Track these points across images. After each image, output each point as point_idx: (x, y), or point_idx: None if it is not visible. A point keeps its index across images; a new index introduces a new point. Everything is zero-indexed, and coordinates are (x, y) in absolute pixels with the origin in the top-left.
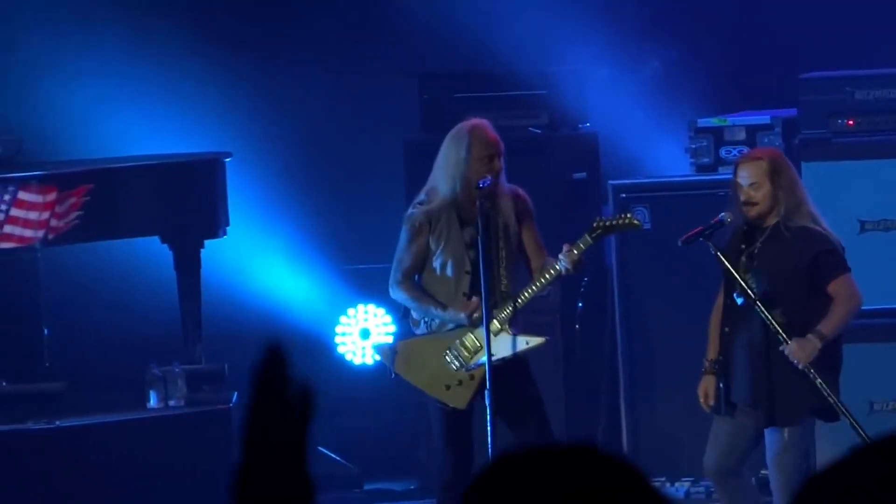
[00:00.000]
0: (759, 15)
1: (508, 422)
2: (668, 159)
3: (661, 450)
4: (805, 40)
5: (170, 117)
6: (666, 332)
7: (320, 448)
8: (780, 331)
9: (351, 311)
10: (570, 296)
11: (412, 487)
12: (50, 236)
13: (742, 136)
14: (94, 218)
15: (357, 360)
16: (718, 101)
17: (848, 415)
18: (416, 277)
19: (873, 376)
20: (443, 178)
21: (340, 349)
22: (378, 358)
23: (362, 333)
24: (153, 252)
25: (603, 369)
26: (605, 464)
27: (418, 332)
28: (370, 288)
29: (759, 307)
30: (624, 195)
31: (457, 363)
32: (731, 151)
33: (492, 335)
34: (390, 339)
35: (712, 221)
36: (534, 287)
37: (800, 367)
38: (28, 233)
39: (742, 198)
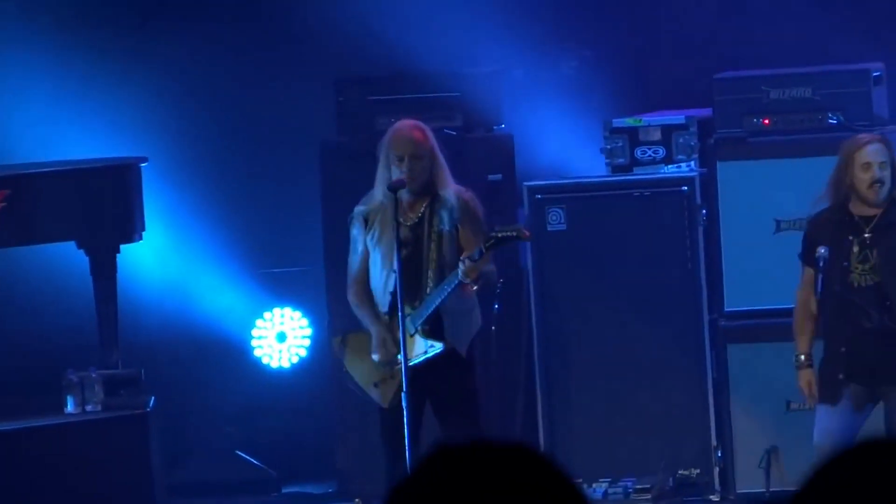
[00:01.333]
0: (672, 14)
1: (438, 418)
2: (584, 160)
3: (578, 450)
4: (719, 40)
5: (86, 121)
6: (582, 333)
7: (237, 452)
8: None
9: (267, 314)
10: (486, 297)
11: (330, 491)
12: None
13: (657, 136)
14: (9, 223)
15: (274, 364)
16: (633, 102)
17: None
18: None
19: (790, 375)
20: (378, 181)
21: (257, 352)
22: (334, 347)
23: (278, 337)
24: (69, 257)
25: (519, 370)
26: (533, 462)
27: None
28: (286, 291)
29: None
30: (539, 196)
31: (384, 359)
32: (645, 152)
33: (408, 336)
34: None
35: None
36: (432, 295)
37: None
38: None
39: (870, 178)
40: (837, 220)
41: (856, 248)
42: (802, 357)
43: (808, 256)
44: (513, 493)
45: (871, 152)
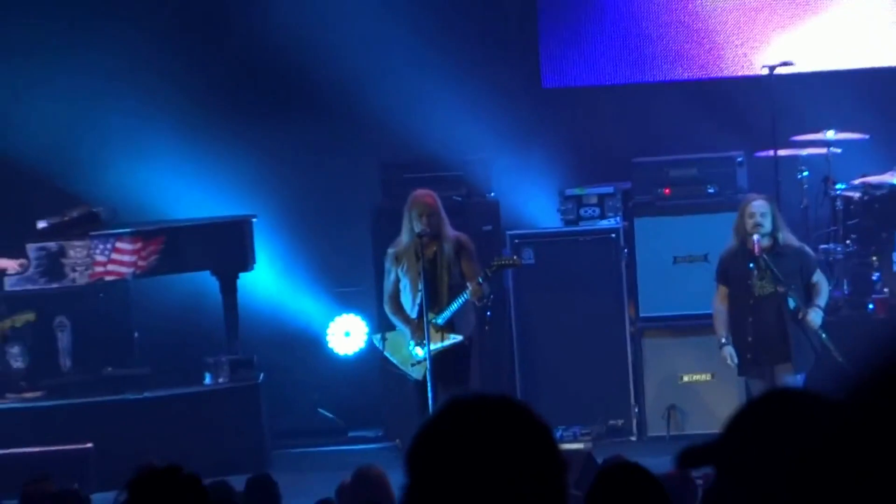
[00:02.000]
0: (597, 118)
1: (441, 384)
2: (545, 216)
3: (542, 407)
4: (633, 135)
5: (205, 184)
6: (546, 331)
7: (319, 409)
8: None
9: (337, 318)
10: (483, 307)
11: (379, 434)
12: (137, 272)
13: (594, 200)
14: (166, 259)
15: (341, 352)
16: (578, 176)
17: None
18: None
19: (684, 358)
20: (403, 230)
21: (330, 344)
22: (376, 341)
23: (345, 334)
24: (206, 281)
25: (504, 355)
26: (517, 406)
27: (399, 327)
28: (350, 304)
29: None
30: (517, 241)
31: (415, 350)
32: (587, 211)
33: (432, 333)
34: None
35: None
36: (448, 306)
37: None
38: (123, 269)
39: (753, 223)
40: (741, 253)
41: (756, 271)
42: (723, 340)
43: (721, 277)
44: (504, 427)
45: (755, 206)
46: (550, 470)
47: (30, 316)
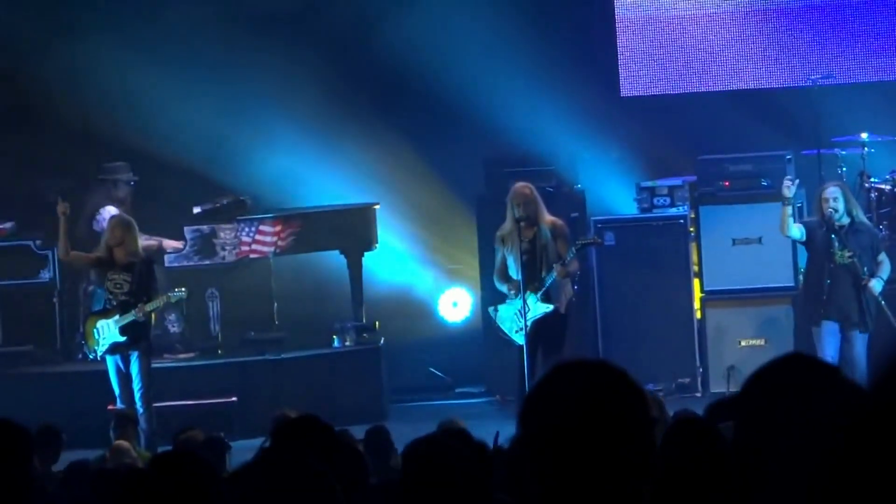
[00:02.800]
0: (665, 117)
1: (543, 353)
2: (624, 204)
3: (620, 365)
4: (700, 134)
5: (335, 175)
6: (624, 302)
7: (430, 368)
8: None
9: (447, 291)
10: (573, 281)
11: (483, 390)
12: (277, 251)
13: (665, 192)
14: (302, 240)
15: (449, 319)
16: (653, 170)
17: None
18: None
19: (744, 331)
20: (507, 217)
21: (440, 312)
22: (490, 312)
23: (453, 304)
24: (336, 259)
25: (588, 322)
26: (615, 369)
27: (508, 299)
28: (457, 278)
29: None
30: (600, 225)
31: (517, 318)
32: (659, 200)
33: (532, 302)
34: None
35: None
36: (544, 281)
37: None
38: (266, 249)
39: (828, 206)
40: (824, 228)
41: (837, 243)
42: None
43: (807, 240)
44: (604, 389)
45: (829, 192)
46: (644, 425)
47: (182, 294)
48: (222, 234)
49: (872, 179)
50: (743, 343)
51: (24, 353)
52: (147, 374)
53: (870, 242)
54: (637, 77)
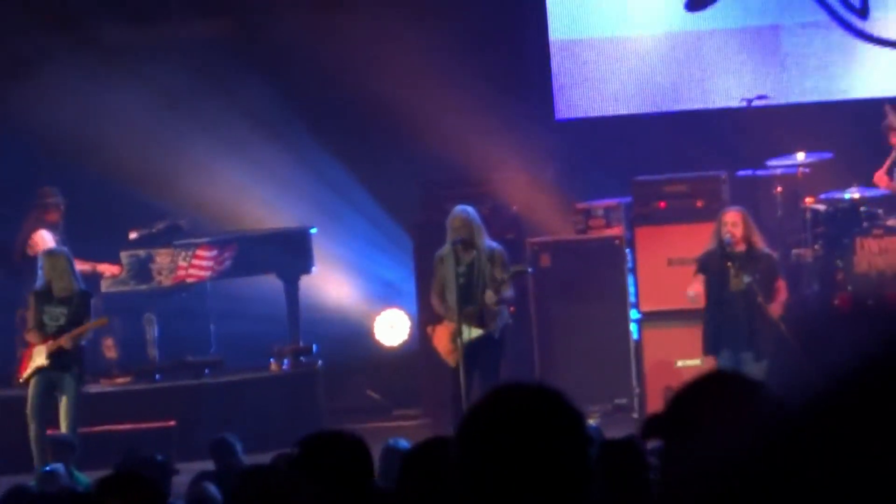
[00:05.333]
0: (600, 139)
1: (479, 377)
2: (559, 226)
3: (557, 386)
4: (635, 156)
5: (271, 200)
6: (560, 324)
7: (368, 391)
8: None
9: (383, 313)
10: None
11: (420, 412)
12: (214, 275)
13: (601, 213)
14: (240, 264)
15: (386, 342)
16: (587, 192)
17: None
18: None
19: (678, 345)
20: (448, 240)
21: (378, 334)
22: (428, 331)
23: (390, 326)
24: (272, 282)
25: (525, 345)
26: (550, 392)
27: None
28: (394, 300)
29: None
30: (535, 247)
31: (452, 340)
32: (595, 221)
33: (465, 326)
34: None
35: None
36: (478, 306)
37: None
38: (203, 273)
39: (728, 231)
40: (719, 253)
41: (732, 270)
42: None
43: (700, 269)
44: (540, 412)
45: (728, 216)
46: (581, 447)
47: (103, 320)
48: (158, 259)
49: (808, 199)
50: (680, 363)
51: None
52: (77, 404)
53: (766, 269)
54: (571, 100)
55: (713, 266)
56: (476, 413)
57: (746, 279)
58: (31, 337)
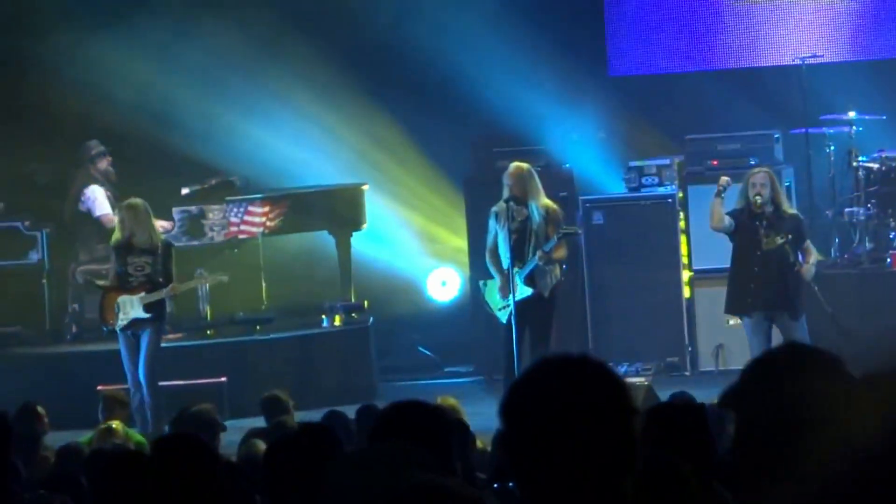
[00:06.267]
0: (653, 96)
1: (530, 337)
2: (613, 184)
3: (610, 347)
4: (688, 114)
5: (325, 156)
6: (613, 282)
7: (419, 347)
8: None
9: (435, 270)
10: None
11: (470, 370)
12: (266, 231)
13: (654, 171)
14: (291, 220)
15: (438, 298)
16: (640, 150)
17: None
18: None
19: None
20: (503, 196)
21: (430, 291)
22: (480, 286)
23: (442, 283)
24: (324, 238)
25: (577, 302)
26: (596, 363)
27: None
28: (446, 258)
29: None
30: (588, 205)
31: (503, 297)
32: (648, 179)
33: (518, 282)
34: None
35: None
36: (527, 264)
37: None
38: (254, 229)
39: (755, 193)
40: (748, 211)
41: (762, 230)
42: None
43: (734, 216)
44: (584, 382)
45: (756, 178)
46: (625, 419)
47: (223, 278)
48: (211, 215)
49: (860, 158)
50: (731, 321)
51: (12, 335)
52: (156, 351)
53: (795, 230)
54: (625, 56)
55: (743, 227)
56: (519, 386)
57: (780, 239)
58: (112, 288)
